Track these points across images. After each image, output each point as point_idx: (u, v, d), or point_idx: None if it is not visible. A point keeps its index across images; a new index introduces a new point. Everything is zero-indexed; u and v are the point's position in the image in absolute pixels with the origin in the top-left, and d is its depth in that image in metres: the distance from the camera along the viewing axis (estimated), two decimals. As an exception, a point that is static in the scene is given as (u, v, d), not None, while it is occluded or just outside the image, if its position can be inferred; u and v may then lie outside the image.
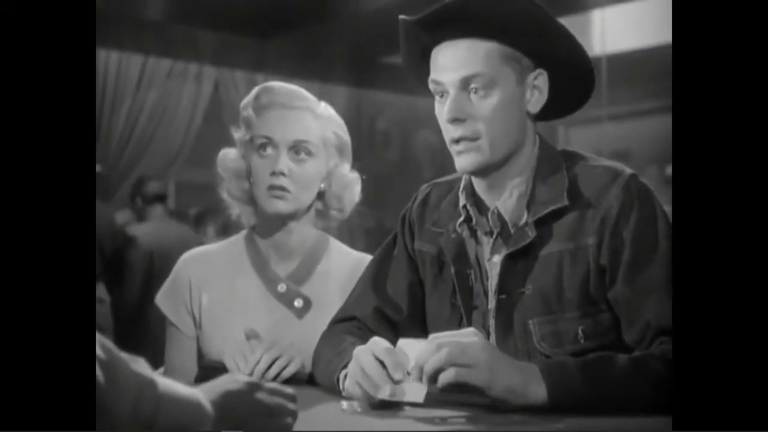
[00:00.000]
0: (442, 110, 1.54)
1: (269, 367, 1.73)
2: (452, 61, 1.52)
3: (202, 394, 1.04)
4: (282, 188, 1.86)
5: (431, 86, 1.56)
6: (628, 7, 6.92)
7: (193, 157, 7.48)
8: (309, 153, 1.89)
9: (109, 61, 7.27)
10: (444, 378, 1.31)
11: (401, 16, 1.59)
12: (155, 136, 7.55)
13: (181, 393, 1.01)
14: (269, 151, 1.88)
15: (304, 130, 1.89)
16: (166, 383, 0.99)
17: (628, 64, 7.35)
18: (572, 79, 1.58)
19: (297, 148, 1.88)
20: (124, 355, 0.96)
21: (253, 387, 1.12)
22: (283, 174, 1.85)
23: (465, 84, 1.51)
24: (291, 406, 1.16)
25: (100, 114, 7.20)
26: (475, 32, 1.51)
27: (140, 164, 7.43)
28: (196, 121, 7.76)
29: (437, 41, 1.54)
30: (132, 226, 5.19)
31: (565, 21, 1.59)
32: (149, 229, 4.96)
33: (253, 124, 1.91)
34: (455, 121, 1.52)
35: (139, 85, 7.45)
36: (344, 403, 1.42)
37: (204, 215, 5.82)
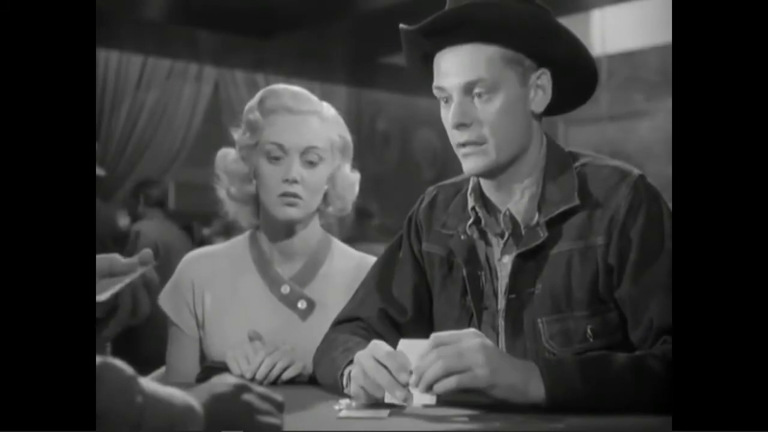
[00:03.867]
0: (447, 115, 1.54)
1: (270, 369, 1.73)
2: (455, 67, 1.52)
3: (192, 396, 1.04)
4: (295, 195, 1.86)
5: (435, 92, 1.56)
6: (628, 7, 6.92)
7: (193, 157, 7.48)
8: (319, 158, 1.89)
9: (109, 61, 7.28)
10: (444, 386, 1.31)
11: (401, 25, 1.59)
12: (155, 136, 7.56)
13: (169, 394, 1.00)
14: (280, 157, 1.87)
15: (313, 135, 1.89)
16: (152, 384, 0.98)
17: (628, 64, 7.36)
18: (575, 76, 1.58)
19: (308, 155, 1.88)
20: (104, 358, 0.95)
21: (242, 389, 1.12)
22: (296, 181, 1.86)
23: (468, 89, 1.51)
24: (278, 413, 1.15)
25: (100, 114, 7.20)
26: (476, 37, 1.50)
27: (140, 164, 7.44)
28: (196, 121, 7.76)
29: (439, 47, 1.54)
30: (136, 224, 5.22)
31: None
32: (152, 226, 5.01)
33: (259, 128, 1.90)
34: (460, 126, 1.52)
35: (139, 85, 7.46)
36: (341, 402, 1.42)
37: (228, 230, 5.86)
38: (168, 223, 5.27)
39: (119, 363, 0.95)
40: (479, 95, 1.51)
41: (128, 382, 0.94)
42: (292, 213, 1.87)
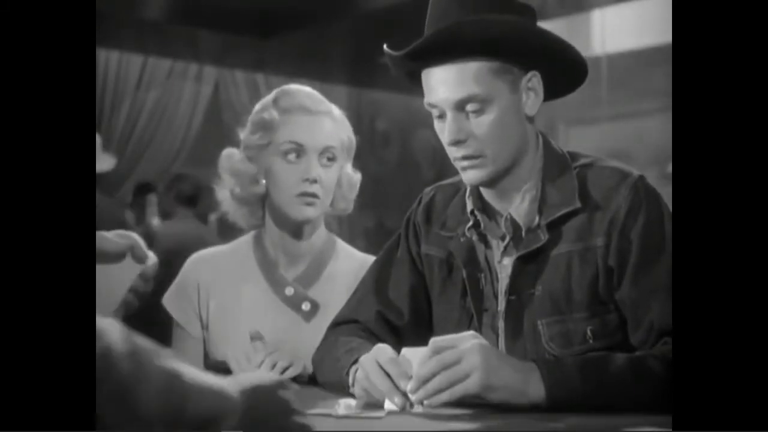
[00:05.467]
0: (442, 130, 1.54)
1: (271, 369, 1.73)
2: (444, 85, 1.51)
3: (230, 385, 1.06)
4: (314, 195, 1.87)
5: (427, 107, 1.55)
6: (628, 7, 6.92)
7: (193, 157, 7.48)
8: (334, 158, 1.90)
9: (109, 61, 7.27)
10: (444, 398, 1.33)
11: (386, 48, 1.58)
12: (155, 136, 7.56)
13: (209, 384, 1.02)
14: (298, 157, 1.87)
15: (329, 135, 1.89)
16: (193, 373, 1.00)
17: (628, 64, 7.36)
18: (564, 70, 1.58)
19: (325, 154, 1.88)
20: (149, 347, 0.96)
21: (281, 386, 1.15)
22: (315, 181, 1.86)
23: (460, 106, 1.50)
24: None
25: (100, 114, 7.20)
26: (462, 54, 1.49)
27: (140, 164, 7.44)
28: (196, 121, 7.76)
29: (425, 66, 1.54)
30: (157, 224, 5.19)
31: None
32: (172, 229, 4.93)
33: (274, 127, 1.89)
34: (457, 143, 1.51)
35: (139, 85, 7.45)
36: (341, 402, 1.42)
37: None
38: (194, 222, 5.15)
39: (168, 355, 0.97)
40: (472, 110, 1.50)
41: (176, 379, 0.96)
42: (310, 213, 1.88)
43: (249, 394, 1.07)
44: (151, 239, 5.10)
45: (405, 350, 1.42)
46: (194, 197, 5.07)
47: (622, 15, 7.24)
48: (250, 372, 1.17)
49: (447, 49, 1.49)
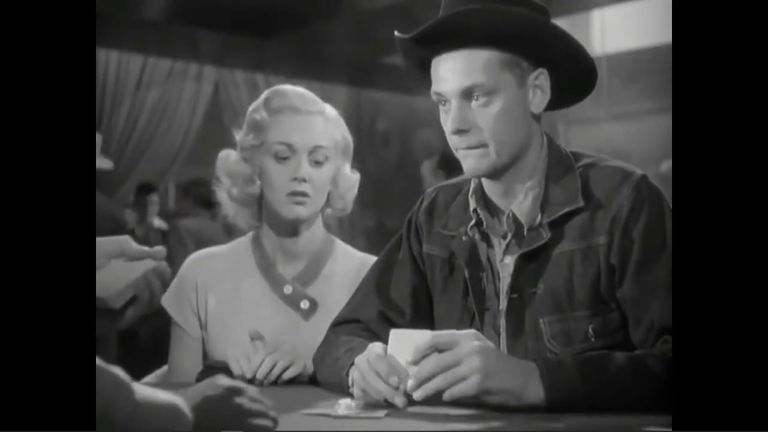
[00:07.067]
0: (446, 120, 1.54)
1: (271, 369, 1.73)
2: (452, 73, 1.51)
3: (182, 400, 1.04)
4: (303, 194, 1.87)
5: (434, 97, 1.56)
6: (628, 7, 6.93)
7: (193, 157, 7.49)
8: (325, 157, 1.90)
9: (109, 61, 7.28)
10: (443, 397, 1.33)
11: (396, 33, 1.58)
12: (155, 136, 7.56)
13: (159, 399, 1.00)
14: (288, 156, 1.88)
15: (320, 134, 1.90)
16: (144, 390, 0.99)
17: (628, 64, 7.37)
18: (573, 74, 1.58)
19: (315, 154, 1.89)
20: (99, 360, 0.95)
21: (233, 392, 1.13)
22: (304, 180, 1.87)
23: (466, 94, 1.51)
24: (272, 412, 1.17)
25: (100, 114, 7.20)
26: (472, 43, 1.49)
27: (140, 164, 7.44)
28: (196, 121, 7.77)
29: (435, 53, 1.54)
30: (181, 220, 5.33)
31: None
32: (194, 225, 5.13)
33: (265, 128, 1.90)
34: (460, 132, 1.52)
35: (139, 85, 7.46)
36: (340, 402, 1.43)
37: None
38: (210, 223, 5.32)
39: (114, 369, 0.95)
40: (477, 100, 1.51)
41: (121, 388, 0.94)
42: (300, 211, 1.88)
43: (200, 406, 1.06)
44: (155, 237, 5.22)
45: (395, 332, 1.42)
46: (210, 200, 5.29)
47: (622, 15, 7.26)
48: (202, 384, 1.15)
49: (458, 33, 1.49)
